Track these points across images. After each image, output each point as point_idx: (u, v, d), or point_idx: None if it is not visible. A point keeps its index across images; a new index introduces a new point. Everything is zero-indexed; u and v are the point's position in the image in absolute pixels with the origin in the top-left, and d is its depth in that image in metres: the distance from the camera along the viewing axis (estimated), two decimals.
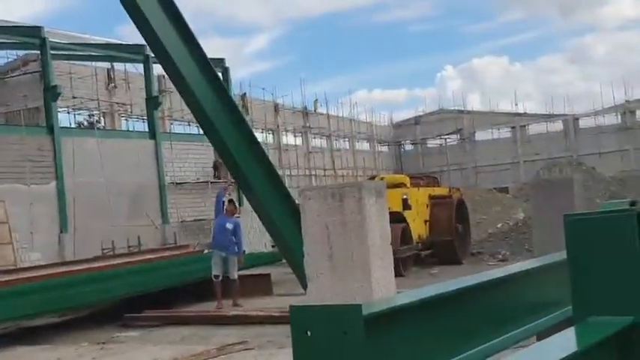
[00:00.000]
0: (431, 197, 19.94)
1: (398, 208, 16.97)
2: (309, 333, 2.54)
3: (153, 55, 30.11)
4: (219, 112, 7.87)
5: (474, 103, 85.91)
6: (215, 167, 31.93)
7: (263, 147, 8.99)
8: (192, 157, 31.71)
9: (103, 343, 11.23)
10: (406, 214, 17.67)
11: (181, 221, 29.19)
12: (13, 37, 26.84)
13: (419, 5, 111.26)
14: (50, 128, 25.36)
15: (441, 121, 62.27)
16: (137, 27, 7.29)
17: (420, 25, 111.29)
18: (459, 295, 3.17)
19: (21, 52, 31.73)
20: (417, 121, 64.06)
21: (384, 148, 63.33)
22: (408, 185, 19.33)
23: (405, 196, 17.91)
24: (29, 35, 26.27)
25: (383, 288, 6.26)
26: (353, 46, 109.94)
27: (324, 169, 49.81)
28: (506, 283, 3.67)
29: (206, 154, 31.95)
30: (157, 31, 7.22)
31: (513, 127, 61.01)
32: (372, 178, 21.83)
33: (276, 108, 47.49)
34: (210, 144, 31.22)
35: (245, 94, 41.43)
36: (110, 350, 10.63)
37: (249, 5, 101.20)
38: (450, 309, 3.07)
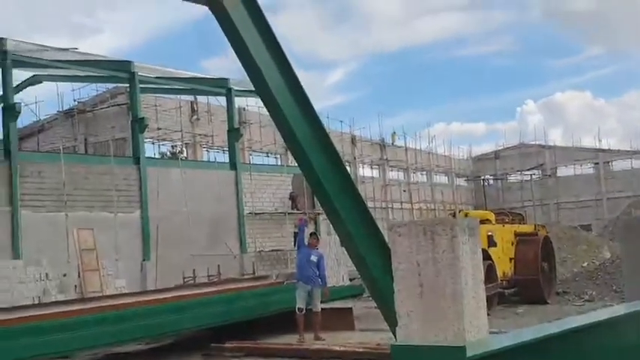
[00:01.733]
0: (516, 234, 19.48)
1: (483, 244, 16.64)
2: None
3: (236, 88, 31.06)
4: (312, 141, 7.92)
5: (556, 138, 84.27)
6: (292, 199, 32.21)
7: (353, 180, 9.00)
8: (270, 187, 32.09)
9: None
10: (491, 251, 17.29)
11: (259, 251, 29.46)
12: (104, 70, 27.91)
13: (499, 40, 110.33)
14: (136, 159, 26.13)
15: (521, 155, 61.21)
16: (236, 53, 7.47)
17: (500, 59, 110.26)
18: (560, 337, 3.08)
19: (110, 85, 32.96)
20: (497, 155, 63.14)
21: (463, 182, 62.54)
22: (493, 222, 18.95)
23: (490, 233, 17.55)
24: (119, 69, 27.28)
25: (475, 328, 6.12)
26: (431, 79, 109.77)
27: (401, 202, 49.50)
28: (610, 325, 3.54)
29: (284, 185, 32.31)
30: (256, 59, 7.37)
31: (596, 163, 59.41)
32: (454, 214, 21.48)
33: (354, 140, 47.66)
34: (287, 174, 31.60)
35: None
36: None
37: (328, 40, 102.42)
38: (552, 352, 2.98)
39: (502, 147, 63.49)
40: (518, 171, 61.10)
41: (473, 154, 64.85)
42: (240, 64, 7.57)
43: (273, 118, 8.22)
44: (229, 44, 7.23)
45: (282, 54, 7.68)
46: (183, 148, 36.60)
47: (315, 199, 33.41)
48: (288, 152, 42.88)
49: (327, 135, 8.49)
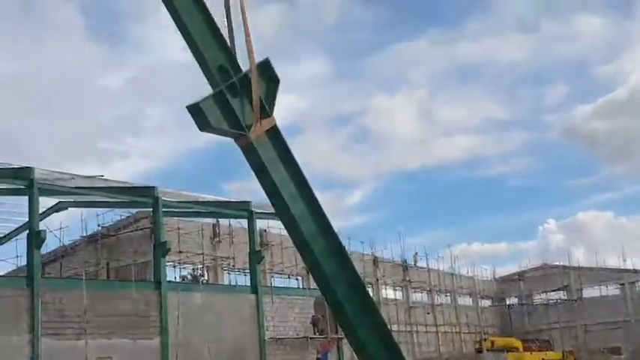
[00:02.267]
0: None
1: None
2: None
3: (257, 211, 31.38)
4: (334, 267, 7.94)
5: (579, 258, 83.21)
6: (314, 323, 31.75)
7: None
8: (292, 311, 31.73)
9: None
10: None
11: None
12: (129, 196, 28.43)
13: (520, 161, 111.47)
14: (157, 283, 26.12)
15: (545, 276, 60.41)
16: (261, 184, 7.65)
17: (521, 179, 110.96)
18: None
19: (134, 210, 33.46)
20: (520, 276, 62.38)
21: (487, 303, 61.48)
22: (521, 349, 18.53)
23: None
24: (143, 195, 27.78)
25: None
26: (452, 199, 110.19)
27: (426, 325, 48.59)
28: None
29: (306, 308, 31.94)
30: (280, 190, 7.55)
31: (622, 284, 58.33)
32: (480, 342, 21.05)
33: (375, 261, 47.42)
34: (309, 297, 31.30)
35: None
36: None
37: (346, 161, 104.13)
38: None
39: (525, 268, 62.82)
40: (542, 292, 60.10)
41: (496, 275, 64.14)
42: (266, 195, 7.76)
43: (296, 245, 8.29)
44: (254, 175, 7.45)
45: (304, 182, 7.85)
46: (205, 272, 36.60)
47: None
48: (309, 273, 42.71)
49: (348, 259, 8.51)
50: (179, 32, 6.92)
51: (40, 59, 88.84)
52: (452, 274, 55.01)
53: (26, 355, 20.92)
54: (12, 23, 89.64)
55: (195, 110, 6.69)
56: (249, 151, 7.32)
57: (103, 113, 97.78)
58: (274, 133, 7.51)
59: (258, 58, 7.05)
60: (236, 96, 6.92)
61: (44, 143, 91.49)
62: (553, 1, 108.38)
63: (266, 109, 7.16)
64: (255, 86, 6.97)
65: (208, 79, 6.92)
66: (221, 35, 7.08)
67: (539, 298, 61.13)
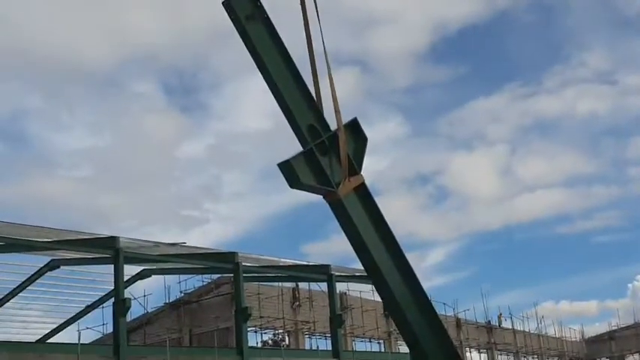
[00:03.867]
0: None
1: None
2: None
3: (337, 274, 31.22)
4: (423, 325, 7.77)
5: None
6: None
7: None
8: None
9: None
10: None
11: None
12: (210, 262, 28.75)
13: (603, 216, 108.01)
14: (239, 349, 26.05)
15: (637, 335, 57.51)
16: (348, 238, 7.65)
17: (606, 235, 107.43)
18: None
19: (215, 275, 33.79)
20: (611, 335, 59.61)
21: None
22: None
23: None
24: (224, 261, 28.03)
25: None
26: (535, 257, 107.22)
27: None
28: None
29: None
30: (367, 243, 7.53)
31: None
32: None
33: (459, 323, 46.23)
34: None
35: None
36: None
37: (427, 221, 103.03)
38: None
39: (616, 327, 60.04)
40: (635, 352, 57.18)
41: (585, 335, 61.50)
42: (353, 250, 7.75)
43: (384, 302, 8.18)
44: (341, 229, 7.51)
45: (392, 237, 7.81)
46: (286, 336, 36.41)
47: None
48: (392, 337, 42.05)
49: (438, 318, 8.33)
50: (271, 93, 7.25)
51: (121, 132, 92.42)
52: (538, 334, 53.08)
53: None
54: (94, 97, 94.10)
55: (286, 167, 6.97)
56: (338, 208, 7.47)
57: (184, 181, 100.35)
58: (362, 191, 7.62)
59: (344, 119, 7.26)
60: (325, 154, 7.18)
61: (128, 213, 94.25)
62: (631, 51, 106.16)
63: (354, 166, 7.33)
64: (343, 144, 7.20)
65: (298, 138, 7.21)
66: (311, 96, 7.43)
67: (631, 358, 58.16)
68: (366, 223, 7.56)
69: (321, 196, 7.36)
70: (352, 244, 7.72)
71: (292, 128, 7.24)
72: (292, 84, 7.33)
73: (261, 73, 7.27)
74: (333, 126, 7.27)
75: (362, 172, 7.49)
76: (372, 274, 7.89)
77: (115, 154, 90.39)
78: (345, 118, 7.44)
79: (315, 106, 7.37)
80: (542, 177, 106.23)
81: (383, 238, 7.67)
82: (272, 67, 7.18)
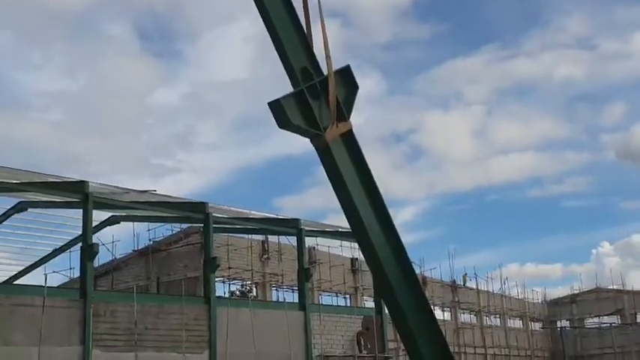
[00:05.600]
0: None
1: None
2: None
3: (307, 229, 31.29)
4: (401, 280, 7.86)
5: (634, 282, 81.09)
6: (358, 339, 31.29)
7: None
8: (340, 329, 31.38)
9: None
10: None
11: None
12: (180, 212, 28.59)
13: (574, 181, 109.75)
14: (207, 298, 26.11)
15: (598, 300, 58.96)
16: (333, 186, 7.77)
17: (574, 201, 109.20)
18: None
19: (184, 225, 33.67)
20: (572, 299, 61.00)
21: (538, 327, 60.16)
22: None
23: None
24: (195, 210, 27.89)
25: None
26: (504, 220, 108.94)
27: (474, 347, 47.72)
28: None
29: (354, 326, 31.60)
30: (352, 194, 7.61)
31: None
32: None
33: (424, 281, 46.83)
34: (357, 316, 31.04)
35: None
36: None
37: (398, 179, 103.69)
38: None
39: (578, 290, 61.39)
40: (595, 316, 58.59)
41: (547, 298, 62.79)
42: (337, 200, 7.77)
43: (364, 254, 8.23)
44: (327, 177, 7.55)
45: (374, 186, 7.87)
46: (253, 288, 36.59)
47: (385, 341, 32.53)
48: (358, 292, 42.47)
49: (415, 274, 8.40)
50: (267, 31, 7.33)
51: (95, 75, 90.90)
52: (502, 295, 54.05)
53: None
54: (67, 39, 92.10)
55: (276, 106, 7.06)
56: (324, 152, 7.55)
57: (157, 129, 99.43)
58: (349, 137, 7.69)
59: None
60: (316, 98, 7.25)
61: (98, 159, 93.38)
62: (611, 18, 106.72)
63: (343, 112, 7.41)
64: (332, 88, 7.27)
65: (290, 78, 7.28)
66: (306, 39, 7.51)
67: (591, 322, 59.61)
68: (351, 170, 7.66)
69: (308, 140, 7.41)
70: (336, 193, 7.76)
71: (285, 69, 7.30)
72: (289, 25, 7.44)
73: (260, 12, 7.39)
74: (326, 72, 7.35)
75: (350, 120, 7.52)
76: (354, 225, 7.90)
77: (88, 98, 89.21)
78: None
79: (309, 50, 7.47)
80: (517, 140, 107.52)
81: (366, 187, 7.75)
82: (271, 7, 7.31)
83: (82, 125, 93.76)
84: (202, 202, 27.81)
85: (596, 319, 58.94)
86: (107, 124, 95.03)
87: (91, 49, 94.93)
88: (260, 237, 35.98)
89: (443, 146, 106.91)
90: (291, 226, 31.52)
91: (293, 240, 33.02)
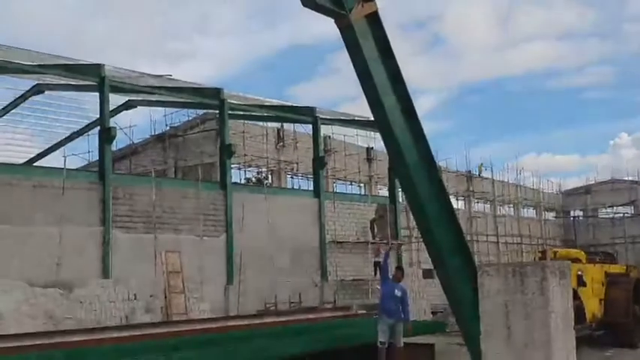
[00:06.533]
0: (607, 275, 18.77)
1: (572, 284, 16.02)
2: None
3: (322, 117, 31.33)
4: (419, 167, 8.01)
5: None
6: (372, 223, 31.93)
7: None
8: (353, 216, 32.00)
9: None
10: (580, 291, 16.65)
11: (340, 280, 29.38)
12: (196, 97, 28.68)
13: (595, 72, 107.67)
14: (223, 184, 26.60)
15: (613, 190, 59.11)
16: (354, 66, 7.90)
17: (594, 92, 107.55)
18: None
19: (201, 111, 33.80)
20: (587, 190, 61.21)
21: (551, 217, 60.84)
22: (584, 261, 18.25)
23: (580, 272, 16.88)
24: (210, 96, 27.96)
25: None
26: (522, 110, 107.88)
27: (487, 235, 48.54)
28: None
29: (367, 214, 32.18)
30: (373, 75, 7.77)
31: None
32: (543, 252, 20.81)
33: (439, 171, 47.04)
34: (370, 204, 31.53)
35: None
36: None
37: (417, 68, 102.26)
38: None
39: (593, 181, 61.52)
40: (609, 207, 59.01)
41: (562, 188, 63.10)
42: (359, 81, 7.76)
43: (384, 138, 8.32)
44: (349, 58, 7.51)
45: (398, 71, 7.86)
46: (269, 175, 37.09)
47: (398, 229, 33.21)
48: (372, 181, 42.90)
49: (434, 162, 8.53)
50: None
51: None
52: (517, 185, 54.38)
53: (98, 245, 21.78)
54: None
55: None
56: (348, 34, 7.48)
57: (171, 13, 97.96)
58: (374, 19, 7.59)
59: None
60: None
61: (114, 43, 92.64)
62: None
63: None
64: None
65: None
66: None
67: (604, 212, 60.12)
68: (374, 52, 7.58)
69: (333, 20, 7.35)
70: (358, 76, 7.76)
71: None
72: None
73: None
74: None
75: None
76: (372, 102, 7.97)
77: None
78: None
79: None
80: (540, 28, 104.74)
81: (389, 71, 7.72)
82: None
83: (96, 8, 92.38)
84: (217, 88, 27.86)
85: (609, 210, 59.40)
86: (122, 8, 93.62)
87: None
88: (276, 125, 36.11)
89: (464, 34, 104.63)
90: (306, 114, 31.58)
91: (308, 129, 33.16)
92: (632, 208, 58.67)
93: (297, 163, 36.42)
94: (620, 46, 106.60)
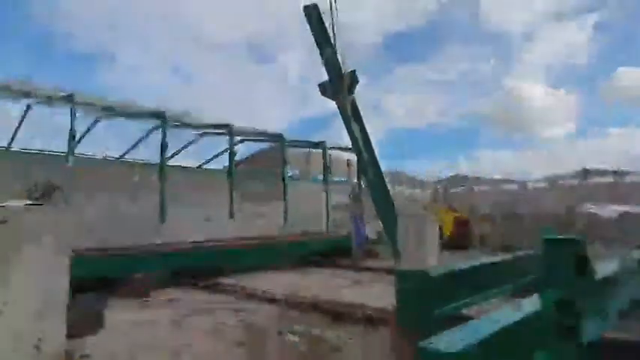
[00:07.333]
0: (454, 218, 27.01)
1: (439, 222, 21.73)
2: (404, 283, 5.31)
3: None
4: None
5: None
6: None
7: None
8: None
9: None
10: (443, 224, 24.90)
11: None
12: None
13: None
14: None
15: None
16: (347, 131, 13.41)
17: None
18: (476, 268, 6.48)
19: None
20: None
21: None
22: (445, 212, 27.24)
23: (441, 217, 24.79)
24: None
25: (433, 262, 13.54)
26: None
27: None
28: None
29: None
30: (357, 138, 13.09)
31: None
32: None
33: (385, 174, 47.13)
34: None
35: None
36: None
37: None
38: (469, 275, 6.33)
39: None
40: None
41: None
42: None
43: (359, 163, 13.71)
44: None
45: (367, 137, 13.09)
46: None
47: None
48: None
49: (380, 169, 14.28)
50: None
51: None
52: None
53: None
54: None
55: (321, 86, 13.26)
56: (341, 109, 12.95)
57: None
58: (354, 104, 13.07)
59: None
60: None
61: None
62: None
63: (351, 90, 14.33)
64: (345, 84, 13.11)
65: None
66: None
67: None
68: (355, 126, 13.20)
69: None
70: (348, 134, 13.51)
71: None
72: None
73: None
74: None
75: None
76: (357, 154, 13.69)
77: None
78: None
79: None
80: None
81: (364, 136, 13.49)
82: None
83: None
84: None
85: None
86: None
87: None
88: None
89: None
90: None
91: None
92: None
93: None
94: None
